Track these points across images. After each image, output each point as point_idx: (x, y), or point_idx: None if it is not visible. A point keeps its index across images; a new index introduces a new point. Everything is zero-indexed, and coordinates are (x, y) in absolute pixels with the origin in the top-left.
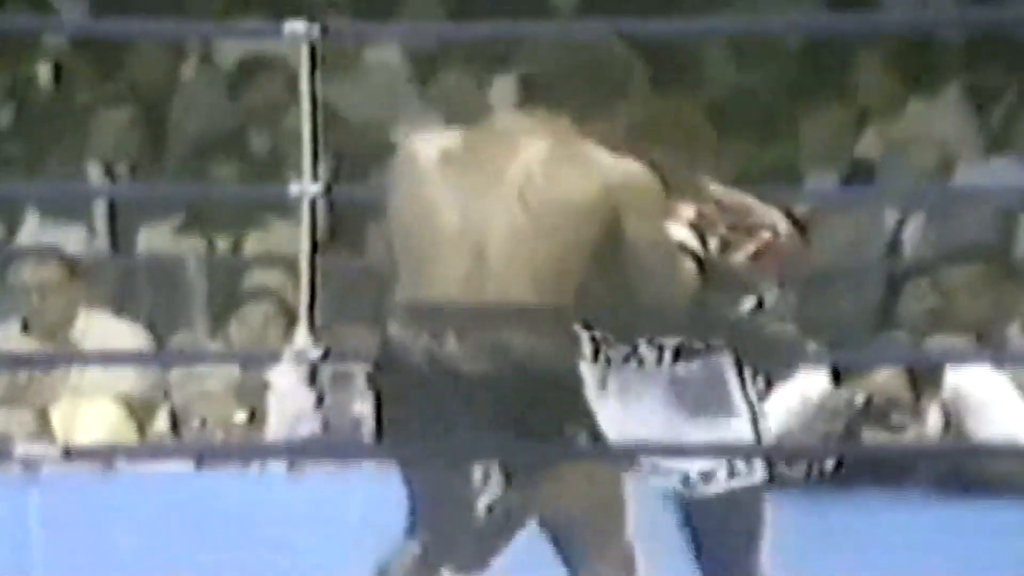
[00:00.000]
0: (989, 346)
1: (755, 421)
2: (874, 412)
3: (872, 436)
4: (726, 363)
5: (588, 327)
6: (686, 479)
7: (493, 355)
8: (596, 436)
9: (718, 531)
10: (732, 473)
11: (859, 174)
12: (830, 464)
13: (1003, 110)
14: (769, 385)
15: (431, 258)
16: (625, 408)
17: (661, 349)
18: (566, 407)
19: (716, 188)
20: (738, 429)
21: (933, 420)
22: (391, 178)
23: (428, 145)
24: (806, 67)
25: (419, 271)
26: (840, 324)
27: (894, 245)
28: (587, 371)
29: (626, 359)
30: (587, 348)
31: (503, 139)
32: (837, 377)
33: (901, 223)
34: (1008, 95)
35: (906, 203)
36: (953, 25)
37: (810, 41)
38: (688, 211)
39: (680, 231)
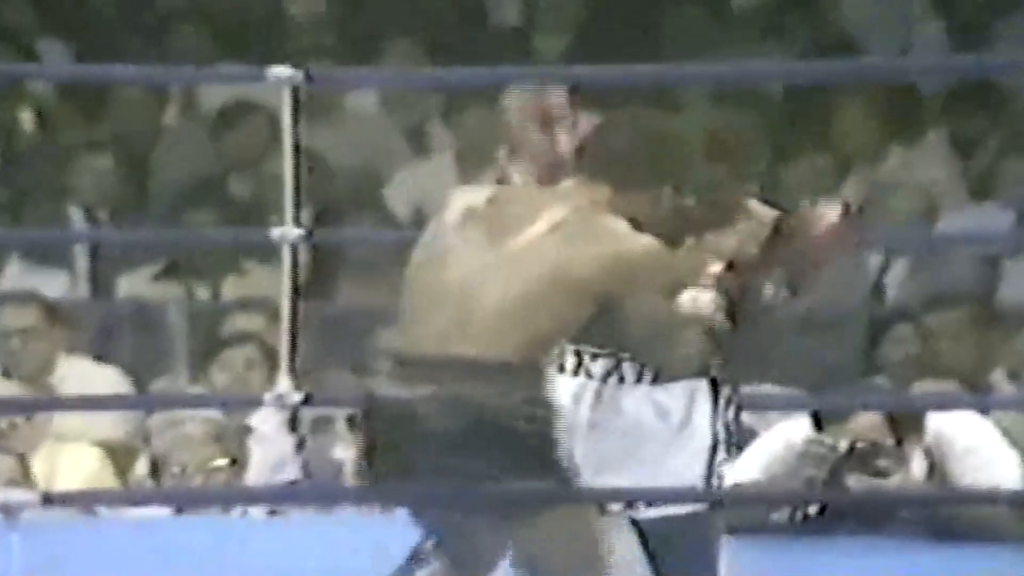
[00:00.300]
0: (973, 392)
1: (713, 451)
2: (858, 457)
3: (856, 481)
4: (702, 389)
5: (573, 341)
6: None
7: (467, 410)
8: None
9: (671, 553)
10: None
11: None
12: (813, 508)
13: (986, 156)
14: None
15: (424, 310)
16: (594, 423)
17: (643, 367)
18: (538, 464)
19: (757, 205)
20: (696, 457)
21: (917, 465)
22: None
23: (460, 199)
24: (788, 113)
25: (411, 322)
26: (823, 369)
27: (877, 290)
28: (564, 383)
29: (607, 375)
30: (569, 361)
31: (530, 202)
32: (819, 423)
33: (884, 269)
34: (991, 142)
35: (889, 248)
36: (935, 72)
37: (792, 87)
38: (715, 267)
39: (703, 298)
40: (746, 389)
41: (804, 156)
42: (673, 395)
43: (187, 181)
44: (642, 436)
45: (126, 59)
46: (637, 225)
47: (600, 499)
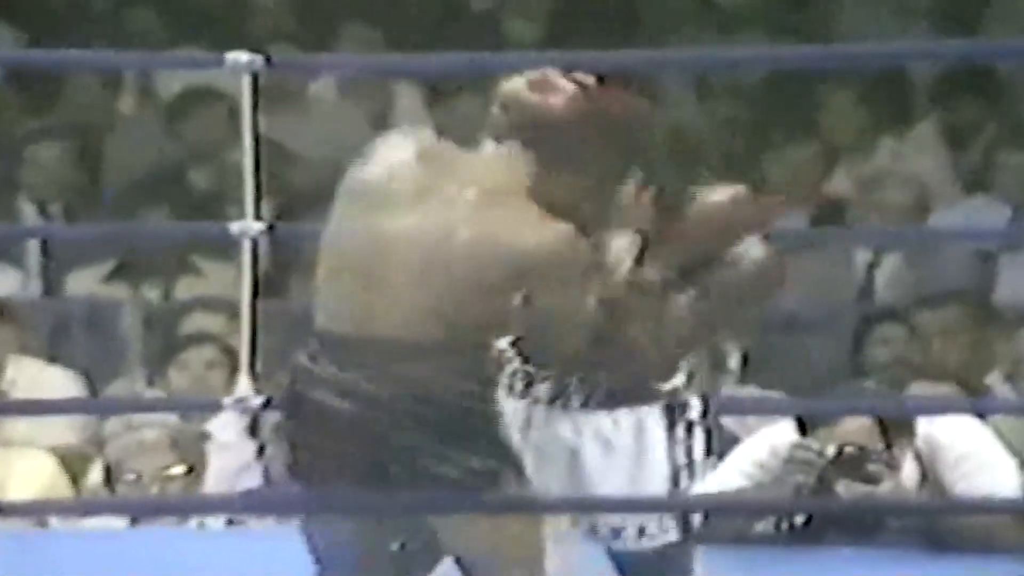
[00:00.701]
0: (968, 395)
1: (675, 478)
2: (846, 463)
3: (845, 488)
4: (653, 416)
5: (525, 360)
6: (593, 528)
7: (389, 390)
8: (513, 469)
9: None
10: (641, 533)
11: (829, 214)
12: (800, 517)
13: (980, 147)
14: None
15: (340, 286)
16: (539, 450)
17: (593, 389)
18: (466, 444)
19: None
20: (655, 484)
21: (908, 471)
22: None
23: (383, 152)
24: (773, 102)
25: (327, 299)
26: (808, 371)
27: (865, 288)
28: (512, 407)
29: (553, 398)
30: (518, 383)
31: (452, 164)
32: (803, 427)
33: (873, 265)
34: (986, 131)
35: (878, 244)
36: (923, 57)
37: (777, 75)
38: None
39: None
40: (727, 392)
41: (791, 147)
42: (619, 425)
43: (143, 172)
44: (582, 468)
45: (79, 45)
46: (559, 210)
47: (570, 509)
